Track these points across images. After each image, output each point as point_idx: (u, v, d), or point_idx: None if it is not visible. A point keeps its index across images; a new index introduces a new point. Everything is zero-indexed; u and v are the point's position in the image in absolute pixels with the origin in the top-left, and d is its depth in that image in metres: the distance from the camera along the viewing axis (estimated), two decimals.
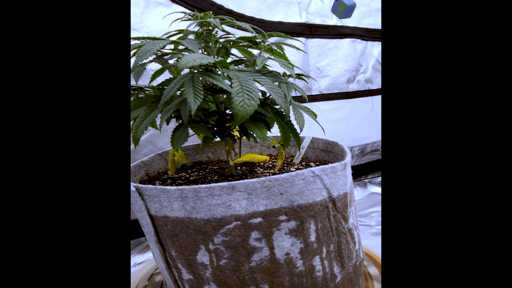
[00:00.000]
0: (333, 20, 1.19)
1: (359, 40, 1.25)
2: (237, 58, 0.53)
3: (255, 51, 0.55)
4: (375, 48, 1.30)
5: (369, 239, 0.84)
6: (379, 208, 1.11)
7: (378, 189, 1.29)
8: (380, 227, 0.97)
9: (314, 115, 0.50)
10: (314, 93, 1.20)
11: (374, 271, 0.67)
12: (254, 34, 0.49)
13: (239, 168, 0.62)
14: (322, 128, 0.54)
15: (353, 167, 1.32)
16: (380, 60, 1.32)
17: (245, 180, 0.39)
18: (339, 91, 1.24)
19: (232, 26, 0.48)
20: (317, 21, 1.16)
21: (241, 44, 0.49)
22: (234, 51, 0.54)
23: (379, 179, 1.39)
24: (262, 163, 0.65)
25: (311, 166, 0.55)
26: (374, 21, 1.27)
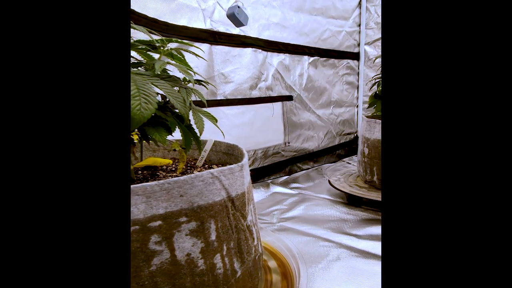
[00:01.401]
0: (236, 30, 1.24)
1: (260, 50, 1.34)
2: (136, 61, 0.52)
3: (157, 55, 0.55)
4: (274, 59, 1.41)
5: (270, 235, 0.91)
6: (280, 207, 1.21)
7: (280, 189, 1.39)
8: (280, 224, 1.06)
9: (214, 120, 0.53)
10: (219, 98, 1.23)
11: (273, 264, 0.73)
12: (155, 38, 0.49)
13: (140, 172, 0.61)
14: (222, 132, 0.57)
15: (256, 169, 1.40)
16: (279, 69, 1.43)
17: (143, 184, 0.39)
18: (243, 97, 1.30)
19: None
20: (221, 29, 1.20)
21: (139, 47, 0.49)
22: (133, 53, 0.53)
23: (281, 179, 1.50)
24: (165, 167, 0.64)
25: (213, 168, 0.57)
26: (273, 34, 1.38)
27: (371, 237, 0.94)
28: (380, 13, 1.80)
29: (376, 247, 0.88)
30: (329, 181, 1.32)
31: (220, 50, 1.21)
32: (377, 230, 0.99)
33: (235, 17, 1.10)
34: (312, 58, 1.60)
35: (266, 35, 1.35)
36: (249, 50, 1.29)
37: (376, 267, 0.78)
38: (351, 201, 1.23)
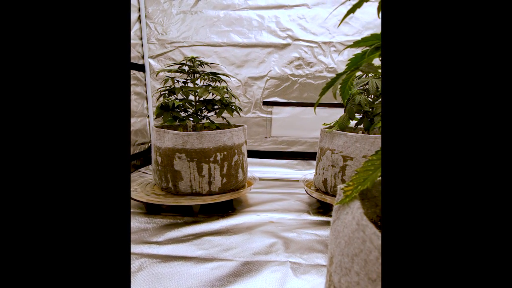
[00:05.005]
0: None
1: None
2: None
3: None
4: None
5: None
6: None
7: None
8: None
9: None
10: None
11: None
12: None
13: None
14: None
15: None
16: None
17: None
18: None
19: None
20: None
21: None
22: None
23: None
24: None
25: None
26: None
27: (171, 241, 1.01)
28: (160, 31, 1.92)
29: (176, 249, 0.95)
30: None
31: None
32: (176, 233, 1.07)
33: None
34: None
35: None
36: None
37: (177, 267, 0.85)
38: (150, 210, 1.27)
